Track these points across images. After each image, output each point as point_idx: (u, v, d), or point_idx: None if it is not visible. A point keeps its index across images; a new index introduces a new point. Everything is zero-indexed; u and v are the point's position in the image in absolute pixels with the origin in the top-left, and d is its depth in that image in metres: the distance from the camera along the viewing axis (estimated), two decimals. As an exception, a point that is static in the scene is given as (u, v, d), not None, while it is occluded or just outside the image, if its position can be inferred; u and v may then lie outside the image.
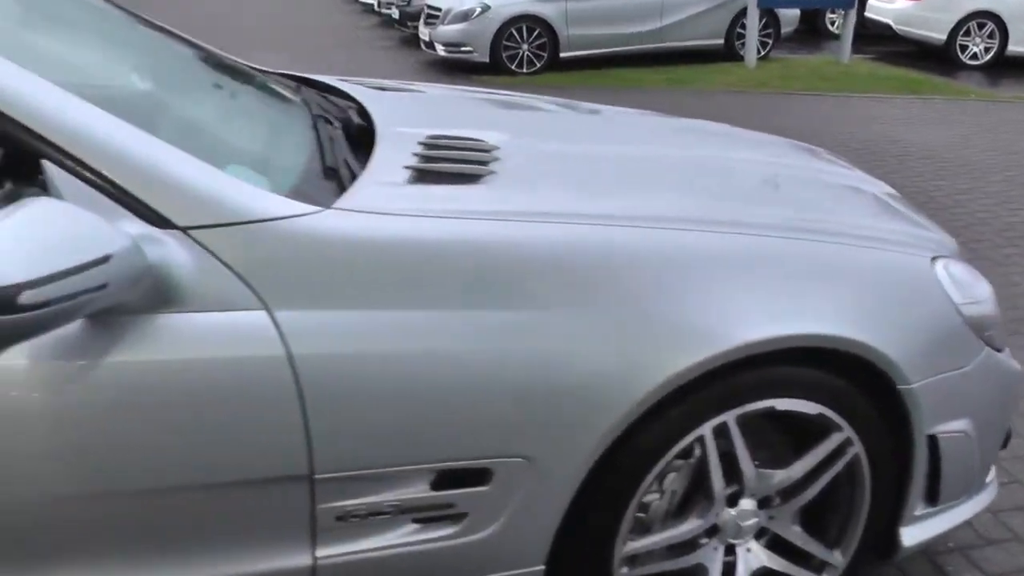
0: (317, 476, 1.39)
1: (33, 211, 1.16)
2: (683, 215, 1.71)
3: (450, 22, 10.18)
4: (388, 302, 1.39)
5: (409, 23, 12.11)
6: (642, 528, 1.73)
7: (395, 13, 12.73)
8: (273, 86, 2.21)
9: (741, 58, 10.85)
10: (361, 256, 1.40)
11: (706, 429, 1.64)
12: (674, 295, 1.55)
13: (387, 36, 13.70)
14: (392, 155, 1.74)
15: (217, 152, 1.52)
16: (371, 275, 1.40)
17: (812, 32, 13.35)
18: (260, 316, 1.34)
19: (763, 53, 10.96)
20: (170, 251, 1.32)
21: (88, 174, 1.29)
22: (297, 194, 1.47)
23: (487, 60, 10.08)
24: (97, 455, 1.31)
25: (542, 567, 1.62)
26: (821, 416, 1.72)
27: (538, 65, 10.23)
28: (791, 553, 1.88)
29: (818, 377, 1.70)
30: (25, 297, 1.10)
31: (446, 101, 2.53)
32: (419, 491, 1.47)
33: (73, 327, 1.27)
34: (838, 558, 1.89)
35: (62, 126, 1.29)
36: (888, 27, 11.42)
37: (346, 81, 2.57)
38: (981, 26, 10.80)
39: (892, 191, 2.47)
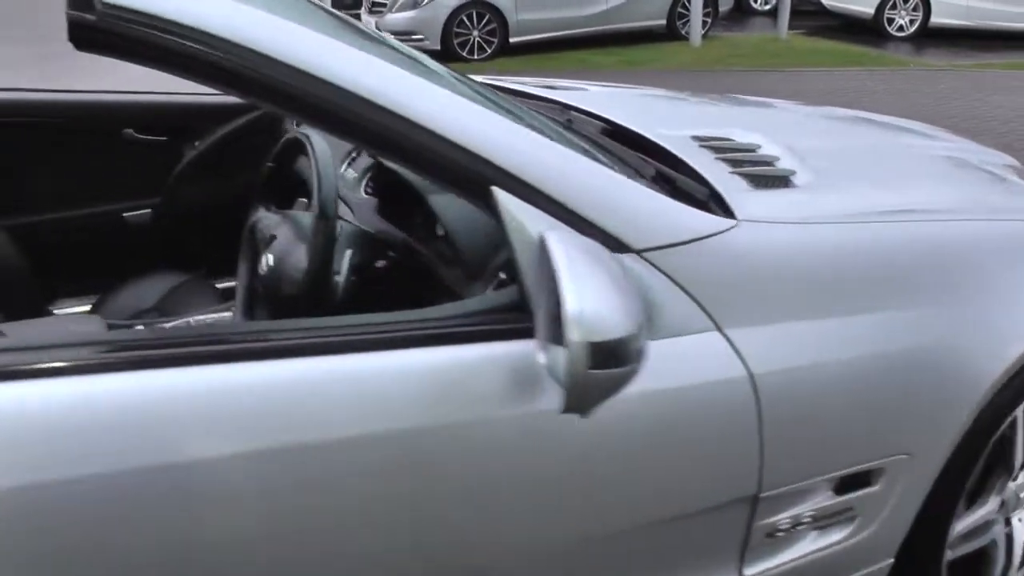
0: (762, 495, 1.38)
1: (582, 250, 1.08)
2: (979, 206, 1.78)
3: (399, 10, 10.01)
4: (826, 310, 1.38)
5: (342, 12, 11.84)
6: None
7: (326, 2, 12.44)
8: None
9: (683, 38, 11.04)
10: (792, 266, 1.39)
11: (1019, 410, 1.71)
12: (1009, 283, 1.60)
13: (314, 26, 13.35)
14: (702, 161, 1.69)
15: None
16: (805, 285, 1.39)
17: (738, 10, 13.64)
18: (715, 337, 1.30)
19: (703, 32, 11.15)
20: (639, 277, 1.26)
21: (542, 201, 1.22)
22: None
23: (438, 47, 9.93)
24: (579, 494, 1.26)
25: (892, 560, 1.65)
26: None
27: (488, 51, 10.17)
28: None
29: None
30: (637, 345, 1.03)
31: (641, 99, 2.50)
32: (828, 498, 1.48)
33: None
34: None
35: (515, 155, 1.23)
36: (819, 3, 11.79)
37: (500, 80, 2.49)
38: (906, 0, 11.26)
39: (1015, 162, 2.57)
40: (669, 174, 1.61)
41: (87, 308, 2.42)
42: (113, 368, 1.04)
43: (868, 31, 11.44)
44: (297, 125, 2.52)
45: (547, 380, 1.10)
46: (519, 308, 1.17)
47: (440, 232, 1.62)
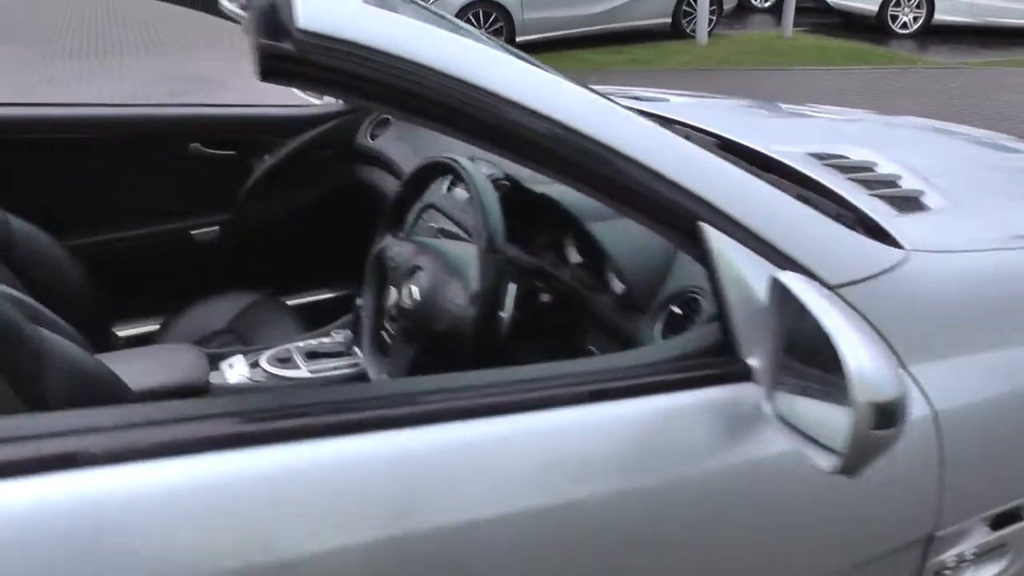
0: (937, 534, 1.32)
1: (827, 297, 1.01)
2: None
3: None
4: (1004, 341, 1.33)
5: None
6: None
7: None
8: None
9: (687, 36, 10.99)
10: (968, 297, 1.34)
11: None
12: None
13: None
14: (837, 183, 1.61)
15: None
16: (982, 315, 1.33)
17: (738, 7, 13.57)
18: (900, 375, 1.25)
19: (708, 30, 11.10)
20: None
21: (746, 236, 1.14)
22: None
23: (444, 47, 9.85)
24: (792, 542, 1.21)
25: None
26: None
27: (494, 50, 10.09)
28: None
29: None
30: (906, 403, 0.95)
31: (731, 110, 2.43)
32: (986, 534, 1.42)
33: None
34: None
35: (719, 188, 1.15)
36: (822, 0, 11.77)
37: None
38: (910, -3, 11.29)
39: None
40: (809, 196, 1.54)
41: (153, 328, 2.34)
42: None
43: (870, 28, 11.41)
44: (372, 138, 2.44)
45: (762, 427, 1.04)
46: (723, 351, 1.11)
47: (575, 259, 1.55)
